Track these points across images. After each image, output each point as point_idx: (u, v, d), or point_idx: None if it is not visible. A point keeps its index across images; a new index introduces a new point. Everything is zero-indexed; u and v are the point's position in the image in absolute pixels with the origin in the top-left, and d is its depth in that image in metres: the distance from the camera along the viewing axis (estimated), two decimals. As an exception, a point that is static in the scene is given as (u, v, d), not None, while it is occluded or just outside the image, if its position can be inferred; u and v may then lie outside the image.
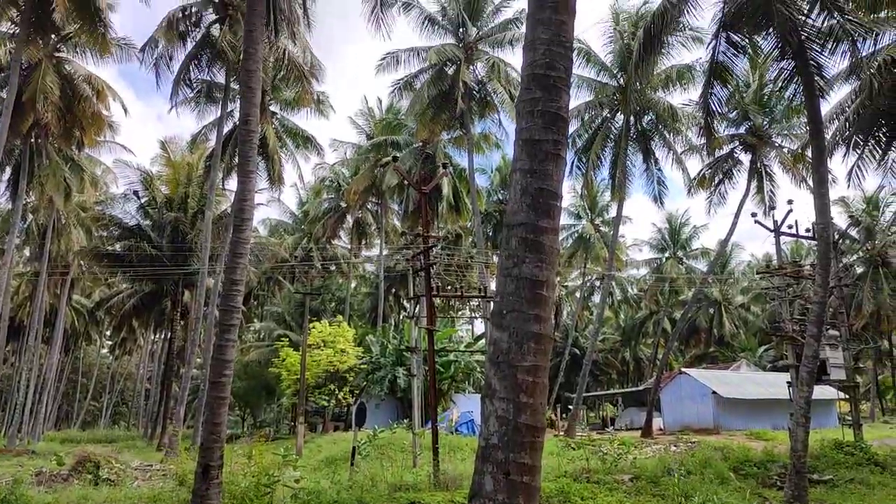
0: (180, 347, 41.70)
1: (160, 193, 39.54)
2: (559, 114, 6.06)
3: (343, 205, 50.51)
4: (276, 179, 34.85)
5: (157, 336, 59.33)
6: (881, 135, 19.04)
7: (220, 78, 30.96)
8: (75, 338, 61.49)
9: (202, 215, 33.82)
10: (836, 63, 17.97)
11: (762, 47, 19.88)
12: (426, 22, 35.26)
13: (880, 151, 19.10)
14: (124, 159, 39.31)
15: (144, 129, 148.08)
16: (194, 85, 31.51)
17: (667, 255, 61.12)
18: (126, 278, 41.70)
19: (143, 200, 39.29)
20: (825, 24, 17.17)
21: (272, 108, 36.02)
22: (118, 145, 39.15)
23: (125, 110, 33.20)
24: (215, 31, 29.40)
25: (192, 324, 31.18)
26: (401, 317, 56.85)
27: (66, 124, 29.03)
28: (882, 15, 17.32)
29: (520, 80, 6.53)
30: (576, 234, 57.54)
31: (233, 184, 32.42)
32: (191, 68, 29.95)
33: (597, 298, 62.69)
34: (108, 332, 66.38)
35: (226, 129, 31.03)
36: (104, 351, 76.67)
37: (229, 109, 31.37)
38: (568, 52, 6.40)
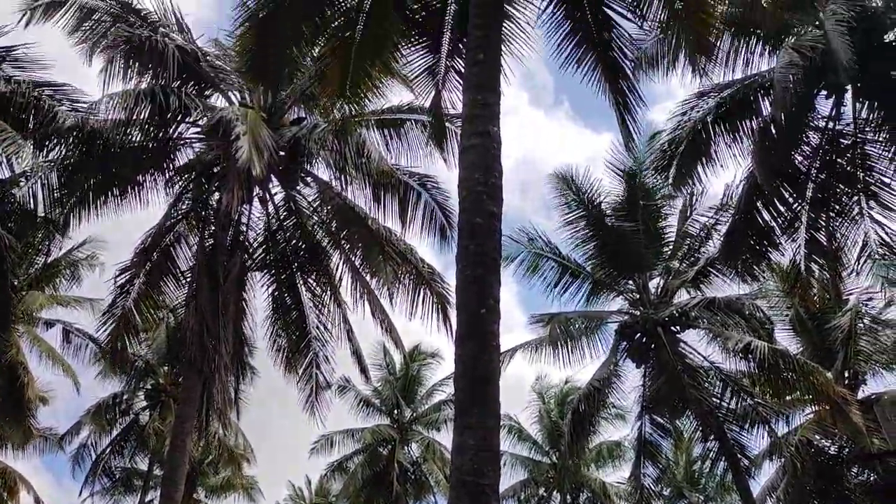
0: None
1: None
2: (490, 523, 5.92)
3: None
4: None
5: None
6: (816, 513, 19.06)
7: (143, 465, 29.80)
8: None
9: None
10: (758, 443, 18.68)
11: (686, 428, 20.69)
12: (361, 403, 35.87)
13: (820, 532, 18.93)
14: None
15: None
16: (115, 472, 30.09)
17: None
18: None
19: None
20: (740, 407, 18.19)
21: (198, 493, 34.23)
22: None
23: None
24: (144, 416, 29.08)
25: None
26: None
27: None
28: (788, 398, 18.57)
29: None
30: None
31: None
32: (113, 455, 28.90)
33: None
34: None
35: (143, 520, 28.90)
36: None
37: (149, 499, 29.64)
38: (496, 455, 6.50)
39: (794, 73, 12.57)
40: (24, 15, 12.69)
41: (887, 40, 13.24)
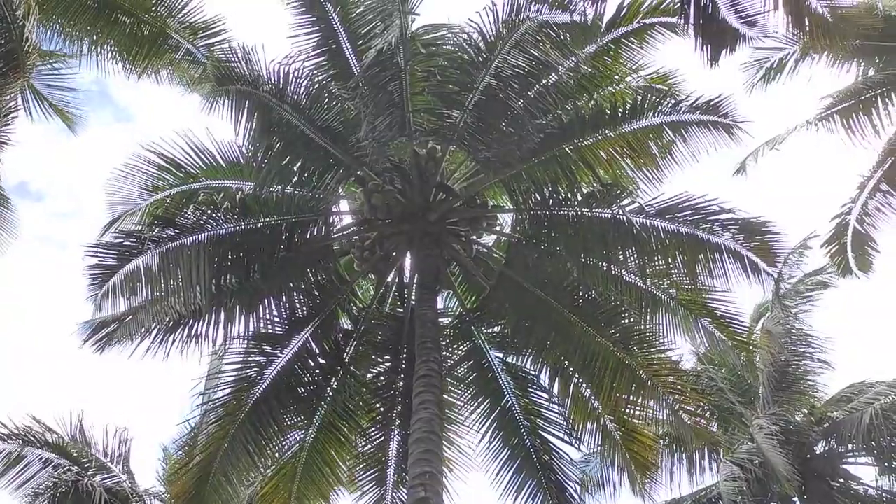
0: None
1: None
2: None
3: None
4: None
5: None
6: None
7: None
8: None
9: None
10: None
11: None
12: None
13: None
14: None
15: None
16: None
17: None
18: None
19: None
20: None
21: None
22: None
23: None
24: None
25: None
26: None
27: None
28: None
29: None
30: None
31: None
32: None
33: None
34: None
35: None
36: None
37: None
38: None
39: (739, 486, 12.44)
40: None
41: (818, 451, 13.48)
